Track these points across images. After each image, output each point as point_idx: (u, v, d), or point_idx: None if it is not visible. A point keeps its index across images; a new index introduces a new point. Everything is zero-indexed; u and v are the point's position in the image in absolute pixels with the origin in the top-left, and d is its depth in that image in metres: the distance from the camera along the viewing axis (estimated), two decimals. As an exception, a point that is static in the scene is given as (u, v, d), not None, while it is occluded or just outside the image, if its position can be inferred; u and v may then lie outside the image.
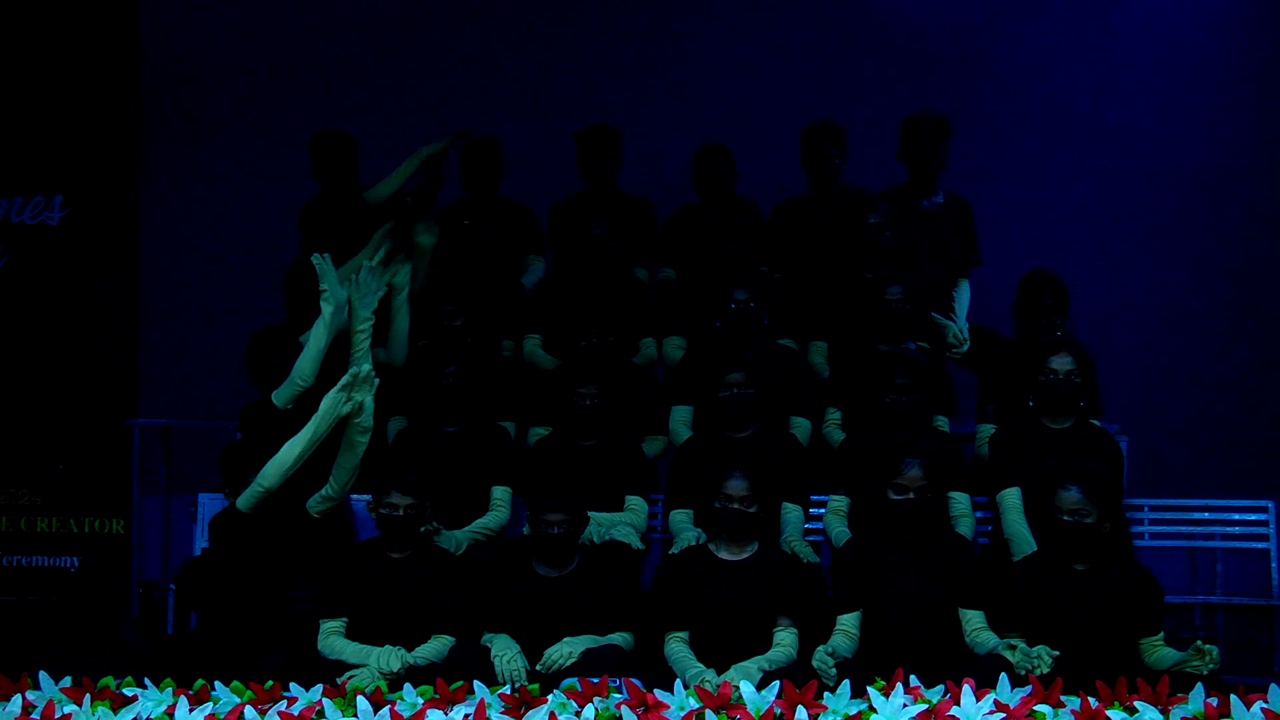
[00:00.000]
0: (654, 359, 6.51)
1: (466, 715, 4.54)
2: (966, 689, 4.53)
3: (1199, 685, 4.59)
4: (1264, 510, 6.45)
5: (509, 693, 4.69)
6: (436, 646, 5.14)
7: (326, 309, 5.67)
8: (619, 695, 4.66)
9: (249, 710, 4.57)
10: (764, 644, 5.14)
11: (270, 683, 4.73)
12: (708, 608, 5.21)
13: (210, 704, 4.61)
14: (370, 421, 5.41)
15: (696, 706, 4.55)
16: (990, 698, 4.54)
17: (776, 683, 4.63)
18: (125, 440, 7.51)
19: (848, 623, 5.20)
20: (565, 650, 5.02)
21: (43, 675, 4.73)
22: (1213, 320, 8.12)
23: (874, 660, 4.98)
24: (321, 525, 5.55)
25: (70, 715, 4.57)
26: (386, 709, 4.55)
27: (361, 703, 4.57)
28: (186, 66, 8.21)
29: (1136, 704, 4.53)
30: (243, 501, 5.36)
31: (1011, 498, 5.67)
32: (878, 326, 6.14)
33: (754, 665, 4.94)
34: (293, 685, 4.74)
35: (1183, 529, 6.53)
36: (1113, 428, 6.13)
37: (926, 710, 4.49)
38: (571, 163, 6.92)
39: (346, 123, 7.00)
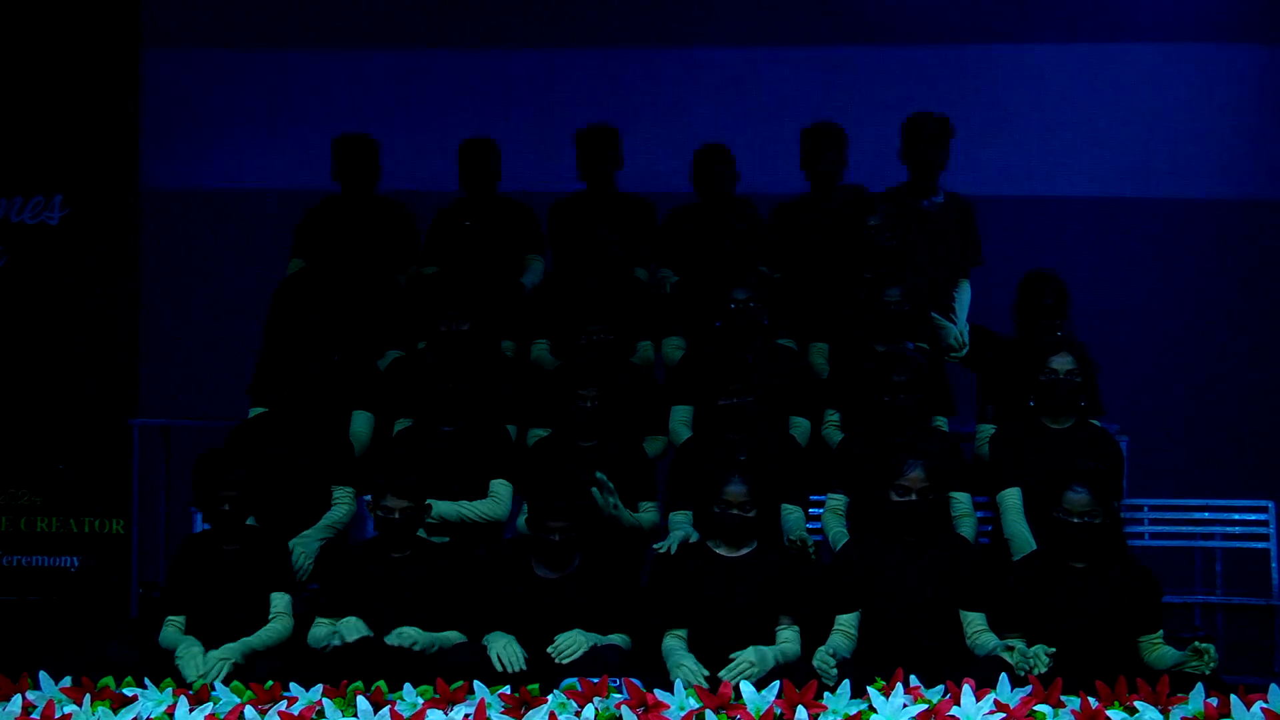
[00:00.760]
0: (651, 360, 6.51)
1: (466, 715, 4.54)
2: (966, 689, 4.54)
3: (1199, 685, 4.59)
4: (1264, 510, 6.45)
5: (509, 692, 4.69)
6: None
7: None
8: (619, 695, 4.66)
9: (249, 710, 4.57)
10: (763, 642, 5.14)
11: (270, 683, 4.73)
12: (706, 605, 5.21)
13: (210, 704, 4.61)
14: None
15: (696, 706, 4.55)
16: (990, 698, 4.54)
17: (776, 683, 4.63)
18: (125, 440, 7.50)
19: (847, 623, 5.21)
20: (579, 639, 5.03)
21: (43, 675, 4.73)
22: (1214, 320, 8.11)
23: (874, 660, 4.98)
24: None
25: (70, 715, 4.56)
26: (386, 709, 4.55)
27: (361, 703, 4.57)
28: (186, 66, 8.20)
29: (1136, 704, 4.53)
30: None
31: (1011, 498, 5.67)
32: (877, 327, 6.14)
33: (770, 652, 4.95)
34: (293, 685, 4.74)
35: (1183, 529, 6.53)
36: (1113, 428, 6.13)
37: (926, 710, 4.49)
38: (571, 162, 6.92)
39: (346, 122, 6.99)
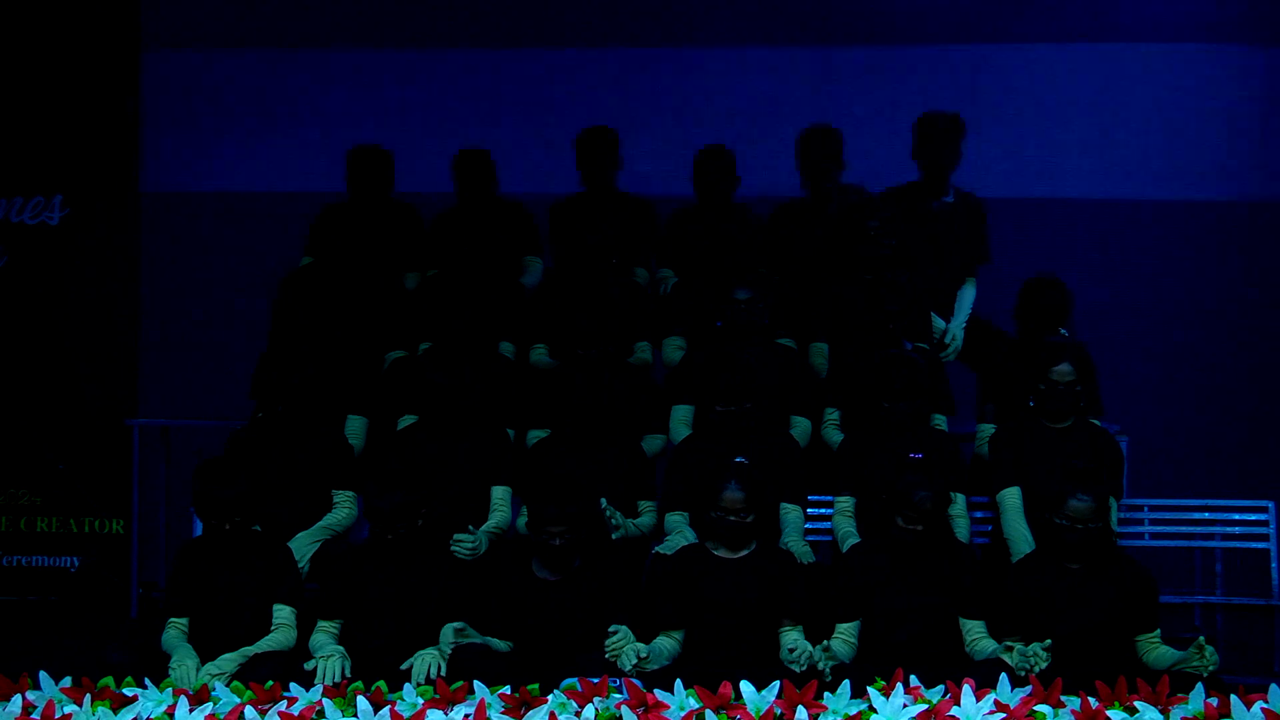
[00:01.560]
0: (648, 362, 6.51)
1: (466, 715, 4.54)
2: (966, 689, 4.54)
3: (1199, 685, 4.59)
4: (1264, 510, 6.45)
5: (509, 693, 4.68)
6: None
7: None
8: (619, 695, 4.66)
9: (249, 710, 4.57)
10: (763, 642, 5.14)
11: (270, 683, 4.73)
12: (705, 606, 5.21)
13: (210, 704, 4.61)
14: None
15: (696, 706, 4.55)
16: (990, 698, 4.55)
17: (776, 683, 4.63)
18: (125, 440, 7.50)
19: (846, 631, 5.21)
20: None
21: (43, 675, 4.73)
22: (1214, 320, 8.11)
23: (875, 663, 4.97)
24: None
25: (70, 715, 4.56)
26: (386, 709, 4.55)
27: (361, 703, 4.57)
28: (186, 66, 8.20)
29: (1136, 704, 4.54)
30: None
31: (1011, 497, 5.67)
32: (875, 333, 6.15)
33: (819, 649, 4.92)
34: (293, 685, 4.74)
35: (1183, 529, 6.52)
36: (1113, 428, 6.13)
37: (926, 710, 4.50)
38: (571, 164, 6.93)
39: (346, 123, 7.00)
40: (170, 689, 4.75)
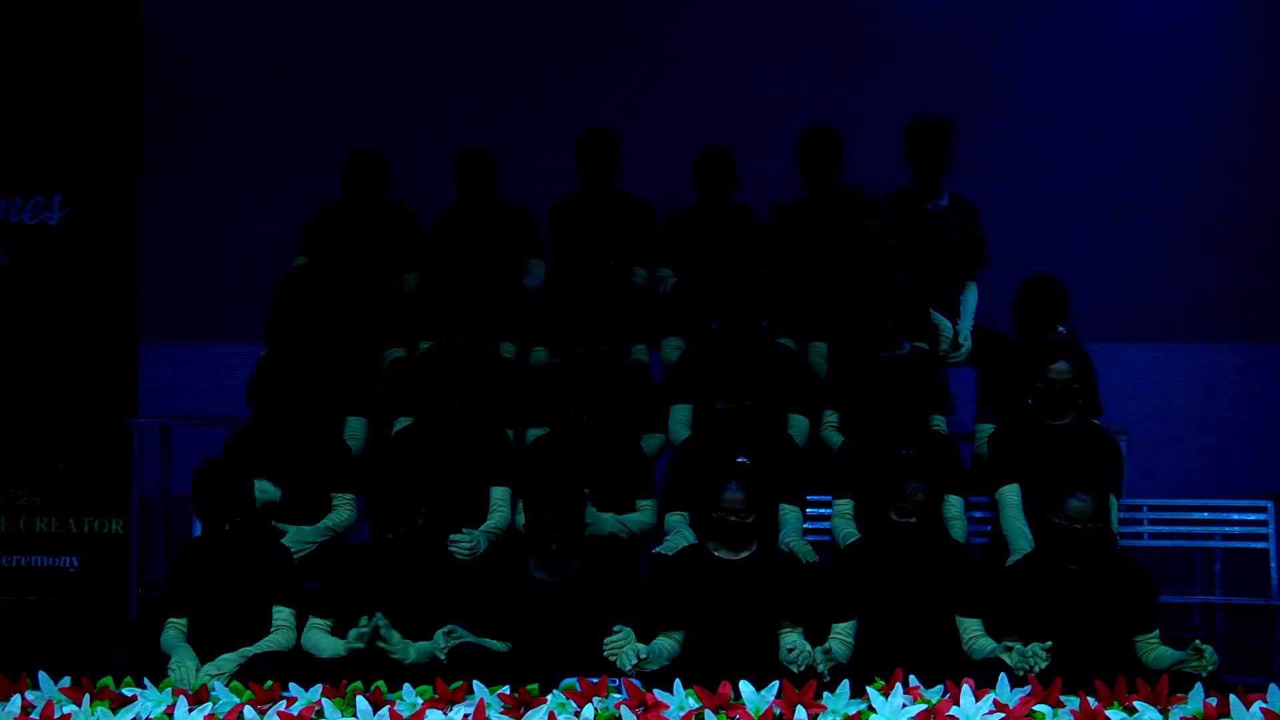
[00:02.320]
0: (645, 364, 6.51)
1: (466, 715, 4.54)
2: (966, 689, 4.54)
3: (1198, 685, 4.60)
4: (1263, 510, 6.45)
5: (508, 693, 4.68)
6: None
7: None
8: (618, 695, 4.66)
9: (248, 710, 4.57)
10: (763, 643, 5.14)
11: (270, 683, 4.73)
12: (706, 607, 5.21)
13: (210, 704, 4.61)
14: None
15: (696, 706, 4.55)
16: (990, 698, 4.55)
17: (776, 683, 4.63)
18: (124, 440, 7.51)
19: (844, 631, 5.21)
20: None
21: (42, 675, 4.73)
22: (1213, 320, 8.11)
23: (873, 663, 4.97)
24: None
25: (70, 715, 4.57)
26: (386, 709, 4.55)
27: (361, 703, 4.57)
28: (186, 66, 8.19)
29: (1136, 704, 4.54)
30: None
31: (1010, 495, 5.68)
32: (875, 336, 6.15)
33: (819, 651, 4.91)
34: (292, 685, 4.74)
35: (1182, 529, 6.53)
36: (1112, 428, 6.13)
37: (926, 710, 4.50)
38: (570, 165, 6.93)
39: (345, 123, 6.99)
40: (170, 689, 4.75)
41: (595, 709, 4.56)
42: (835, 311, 6.42)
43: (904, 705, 4.50)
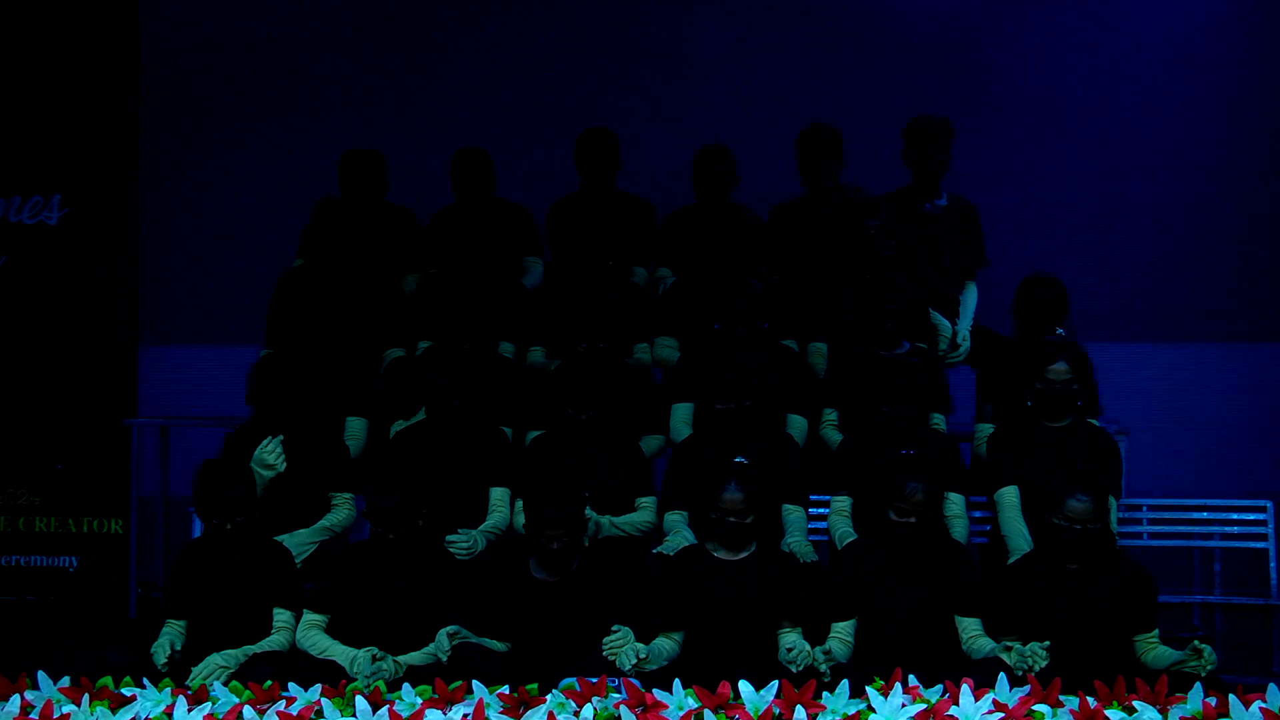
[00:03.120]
0: (647, 364, 6.51)
1: (465, 715, 4.54)
2: (965, 689, 4.53)
3: (1197, 685, 4.59)
4: (1263, 510, 6.46)
5: (508, 692, 4.69)
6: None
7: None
8: (618, 695, 4.66)
9: (247, 710, 4.57)
10: (763, 644, 5.14)
11: (269, 683, 4.73)
12: (706, 607, 5.21)
13: (209, 704, 4.61)
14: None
15: (695, 706, 4.55)
16: (989, 698, 4.54)
17: (775, 682, 4.63)
18: (124, 440, 7.51)
19: (843, 630, 5.21)
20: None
21: (41, 675, 4.72)
22: (1213, 320, 8.12)
23: (872, 663, 4.97)
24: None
25: (69, 715, 4.56)
26: (385, 709, 4.55)
27: (360, 703, 4.57)
28: (186, 66, 8.20)
29: (1135, 704, 4.53)
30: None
31: (1009, 496, 5.68)
32: (875, 335, 6.15)
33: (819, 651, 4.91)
34: (291, 685, 4.74)
35: (1182, 529, 6.53)
36: (1111, 428, 6.13)
37: (925, 710, 4.50)
38: (570, 165, 6.93)
39: (344, 123, 6.99)
40: (169, 689, 4.74)
41: (595, 709, 4.56)
42: (835, 311, 6.42)
43: (903, 705, 4.50)
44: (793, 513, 5.76)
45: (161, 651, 5.02)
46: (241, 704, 4.60)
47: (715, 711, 4.53)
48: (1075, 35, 8.17)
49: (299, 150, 8.01)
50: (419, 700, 4.64)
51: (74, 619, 7.46)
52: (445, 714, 4.55)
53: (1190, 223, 8.14)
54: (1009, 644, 4.90)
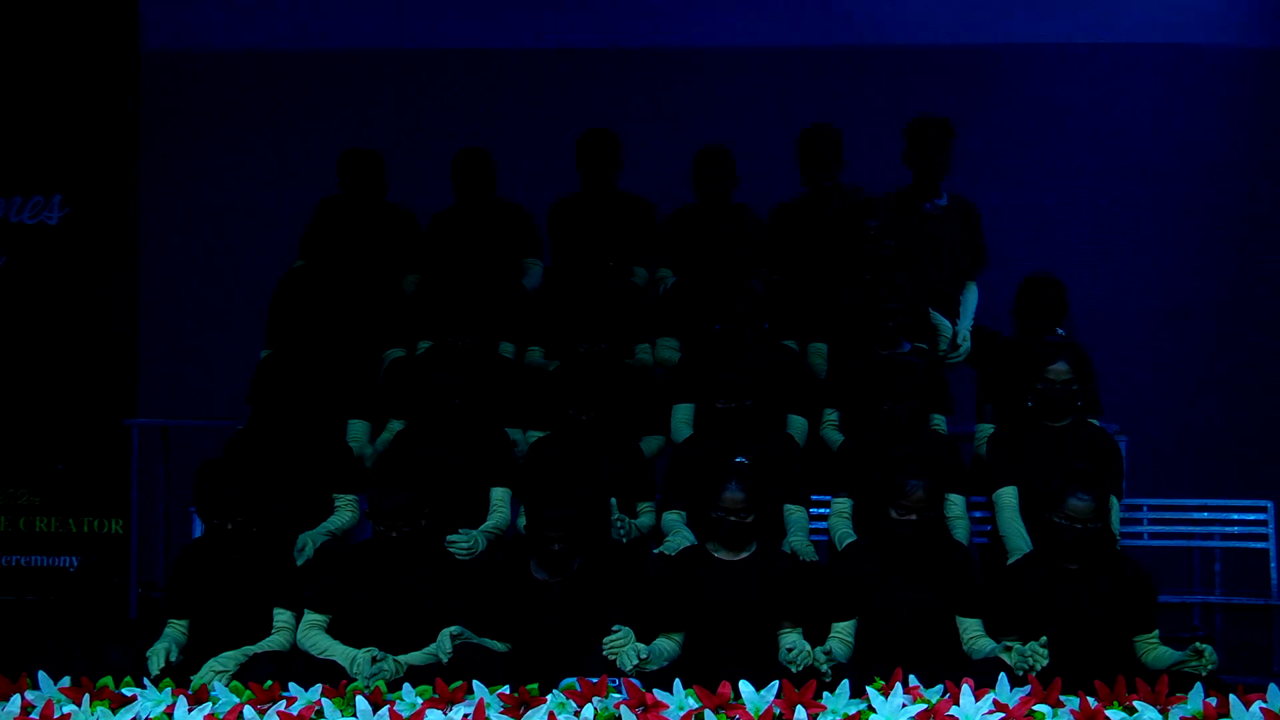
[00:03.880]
0: (647, 364, 6.51)
1: (466, 715, 4.54)
2: (965, 689, 4.53)
3: (1198, 685, 4.59)
4: (1263, 510, 6.46)
5: (508, 692, 4.69)
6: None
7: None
8: (618, 695, 4.66)
9: (248, 710, 4.57)
10: (763, 644, 5.14)
11: (269, 682, 4.73)
12: (706, 608, 5.21)
13: (209, 704, 4.61)
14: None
15: (695, 706, 4.55)
16: (989, 697, 4.54)
17: (775, 682, 4.63)
18: (124, 440, 7.51)
19: (843, 630, 5.21)
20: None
21: (42, 675, 4.72)
22: (1212, 320, 8.12)
23: (873, 663, 4.97)
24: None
25: (69, 715, 4.56)
26: (385, 709, 4.55)
27: (360, 702, 4.57)
28: (186, 66, 8.20)
29: (1135, 704, 4.53)
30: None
31: (1007, 496, 5.68)
32: (875, 335, 6.15)
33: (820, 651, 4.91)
34: (291, 685, 4.74)
35: (1182, 529, 6.53)
36: (1112, 428, 6.14)
37: (925, 710, 4.50)
38: (571, 165, 6.93)
39: (344, 123, 6.98)
40: (169, 689, 4.74)
41: (595, 709, 4.56)
42: (835, 311, 6.42)
43: (903, 705, 4.50)
44: (794, 513, 5.75)
45: (156, 661, 5.01)
46: (242, 704, 4.60)
47: (715, 711, 4.53)
48: (1075, 35, 8.16)
49: (299, 150, 8.01)
50: (419, 700, 4.64)
51: (74, 619, 7.46)
52: (445, 714, 4.55)
53: (1190, 223, 8.14)
54: (1009, 644, 4.90)
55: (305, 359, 6.08)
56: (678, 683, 4.65)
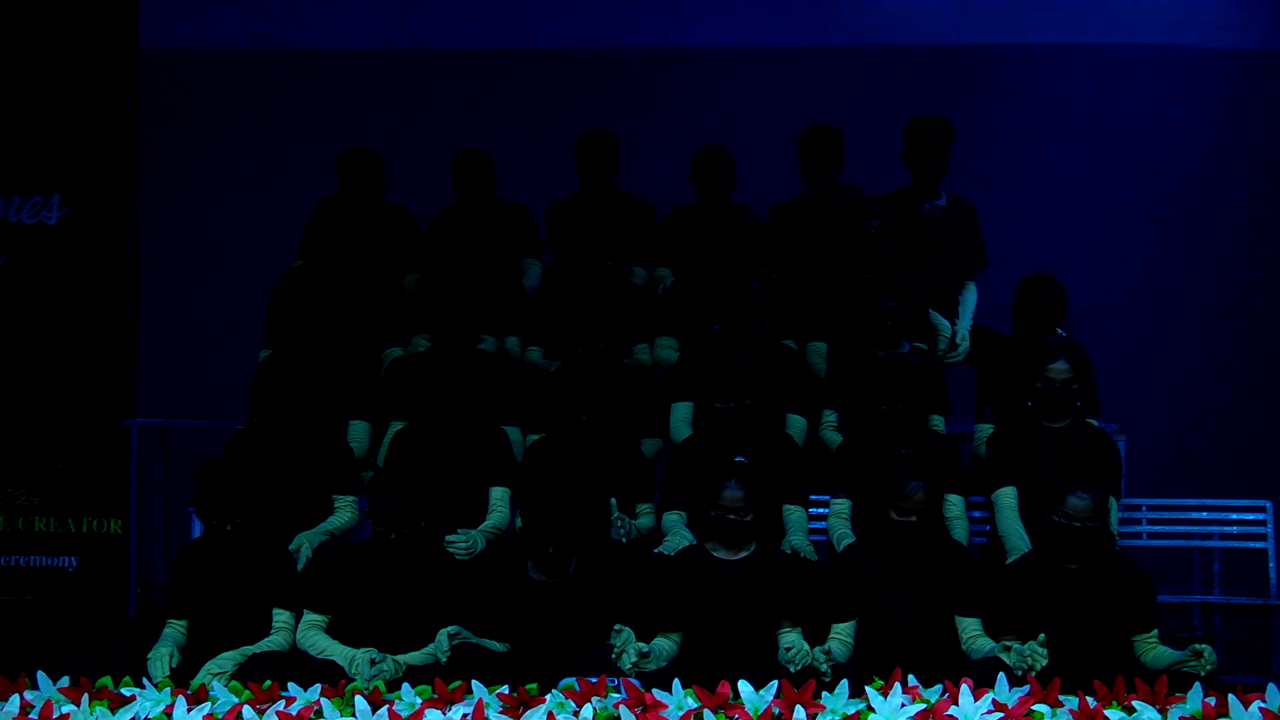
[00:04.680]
0: (647, 364, 6.51)
1: (465, 715, 4.54)
2: (964, 689, 4.53)
3: (1197, 685, 4.59)
4: (1262, 510, 6.46)
5: (507, 692, 4.69)
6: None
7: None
8: (617, 695, 4.66)
9: (247, 710, 4.57)
10: (763, 644, 5.14)
11: (268, 682, 4.73)
12: (705, 607, 5.21)
13: (208, 704, 4.61)
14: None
15: (695, 706, 4.55)
16: (988, 697, 4.55)
17: (774, 682, 4.63)
18: (123, 440, 7.51)
19: (843, 631, 5.21)
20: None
21: (41, 675, 4.72)
22: (1212, 320, 8.12)
23: (872, 663, 4.97)
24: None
25: (68, 715, 4.56)
26: (385, 709, 4.55)
27: (360, 702, 4.57)
28: (185, 66, 8.21)
29: (1134, 703, 4.53)
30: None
31: (1006, 497, 5.68)
32: (875, 334, 6.15)
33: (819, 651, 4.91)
34: (291, 685, 4.74)
35: (1181, 529, 6.53)
36: (1111, 427, 6.14)
37: (925, 710, 4.50)
38: (570, 165, 6.93)
39: (343, 123, 6.98)
40: (169, 689, 4.74)
41: (594, 709, 4.56)
42: (835, 311, 6.42)
43: (902, 705, 4.50)
44: (793, 513, 5.75)
45: (159, 668, 5.00)
46: (241, 704, 4.60)
47: (715, 711, 4.53)
48: (1075, 35, 8.17)
49: (299, 150, 8.01)
50: (419, 700, 4.64)
51: (74, 619, 7.46)
52: (445, 714, 4.55)
53: (1190, 222, 8.15)
54: (1008, 644, 4.90)
55: (305, 359, 6.09)
56: (677, 682, 4.65)
